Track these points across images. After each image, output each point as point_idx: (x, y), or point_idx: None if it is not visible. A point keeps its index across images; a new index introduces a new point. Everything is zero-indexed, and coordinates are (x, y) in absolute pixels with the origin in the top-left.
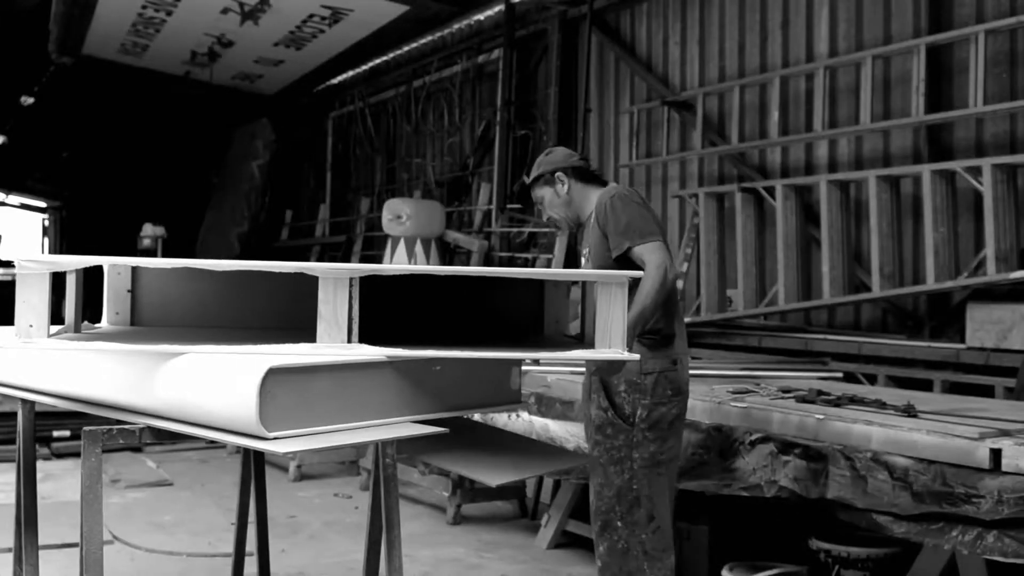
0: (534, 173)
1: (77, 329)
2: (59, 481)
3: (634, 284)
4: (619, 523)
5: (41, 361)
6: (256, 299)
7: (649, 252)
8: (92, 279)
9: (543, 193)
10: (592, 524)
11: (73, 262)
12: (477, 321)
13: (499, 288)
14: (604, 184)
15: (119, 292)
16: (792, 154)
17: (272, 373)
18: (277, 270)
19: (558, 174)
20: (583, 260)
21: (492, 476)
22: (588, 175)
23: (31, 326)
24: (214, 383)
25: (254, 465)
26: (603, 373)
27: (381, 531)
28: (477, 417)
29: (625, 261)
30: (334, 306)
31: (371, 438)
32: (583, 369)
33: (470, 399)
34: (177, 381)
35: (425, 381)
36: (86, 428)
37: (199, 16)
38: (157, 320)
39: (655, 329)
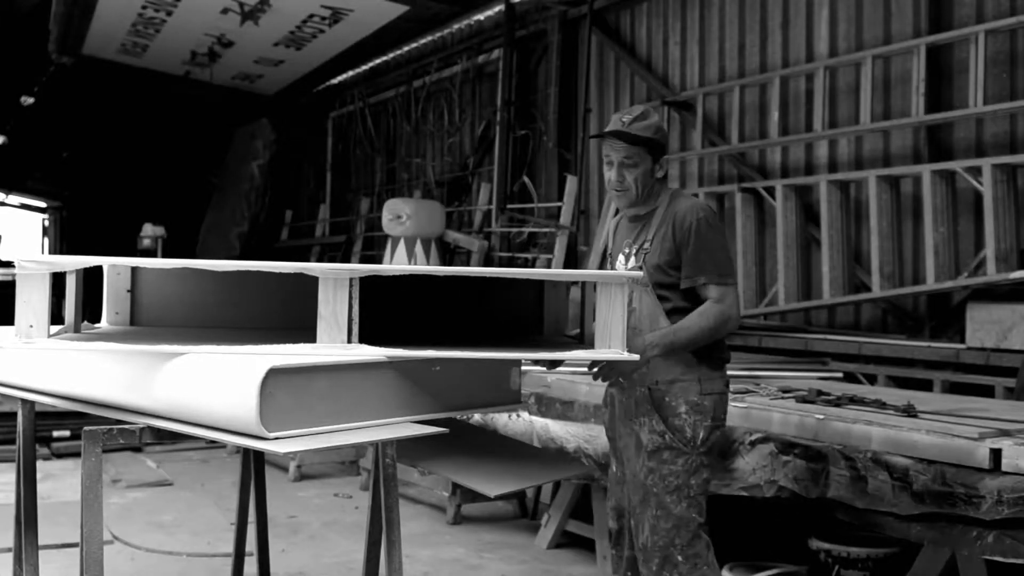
0: (649, 132)
1: (77, 329)
2: (59, 481)
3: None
4: (680, 557)
5: (41, 361)
6: (256, 299)
7: (721, 296)
8: (92, 279)
9: (642, 160)
10: (646, 563)
11: (73, 262)
12: (477, 321)
13: (499, 288)
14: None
15: (119, 292)
16: (792, 154)
17: (272, 373)
18: (277, 270)
19: (664, 159)
20: (621, 257)
21: (491, 486)
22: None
23: (31, 326)
24: (214, 383)
25: (254, 465)
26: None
27: (381, 531)
28: (477, 418)
29: (687, 289)
30: (334, 306)
31: (371, 438)
32: (583, 369)
33: (470, 399)
34: (177, 381)
35: (425, 381)
36: (86, 428)
37: (199, 16)
38: (157, 320)
39: (721, 347)
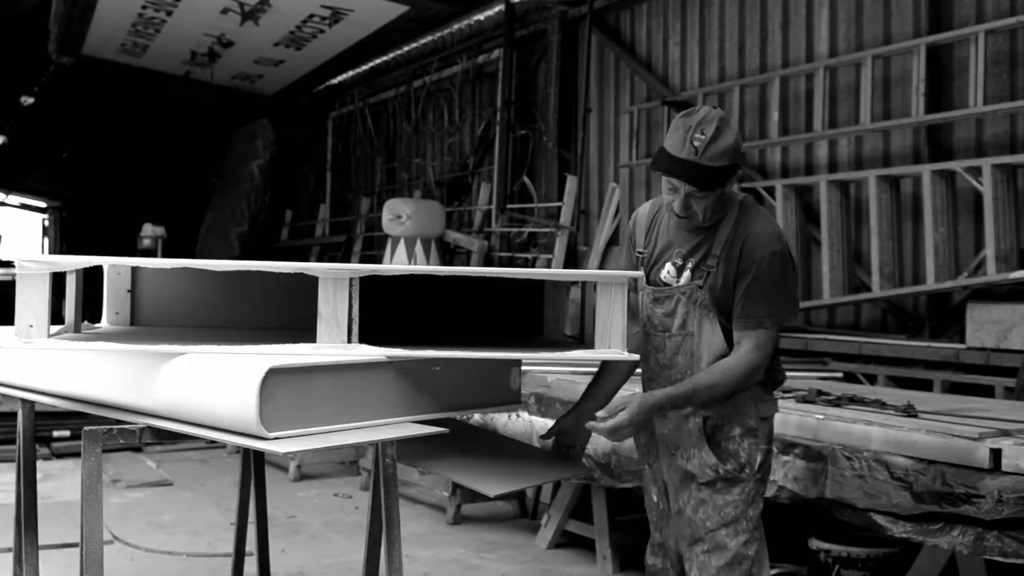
0: (726, 159)
1: (77, 329)
2: (59, 481)
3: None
4: None
5: (41, 361)
6: (256, 299)
7: (762, 343)
8: (92, 279)
9: (714, 190)
10: None
11: (73, 262)
12: (477, 321)
13: (499, 288)
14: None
15: (119, 292)
16: (792, 154)
17: (272, 373)
18: (277, 270)
19: (740, 171)
20: (671, 267)
21: (491, 486)
22: None
23: (31, 326)
24: (214, 383)
25: (254, 465)
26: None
27: (381, 531)
28: (477, 418)
29: (727, 313)
30: (334, 306)
31: (371, 438)
32: (583, 369)
33: (470, 399)
34: (177, 381)
35: (425, 381)
36: (86, 428)
37: (199, 16)
38: (157, 320)
39: (777, 366)
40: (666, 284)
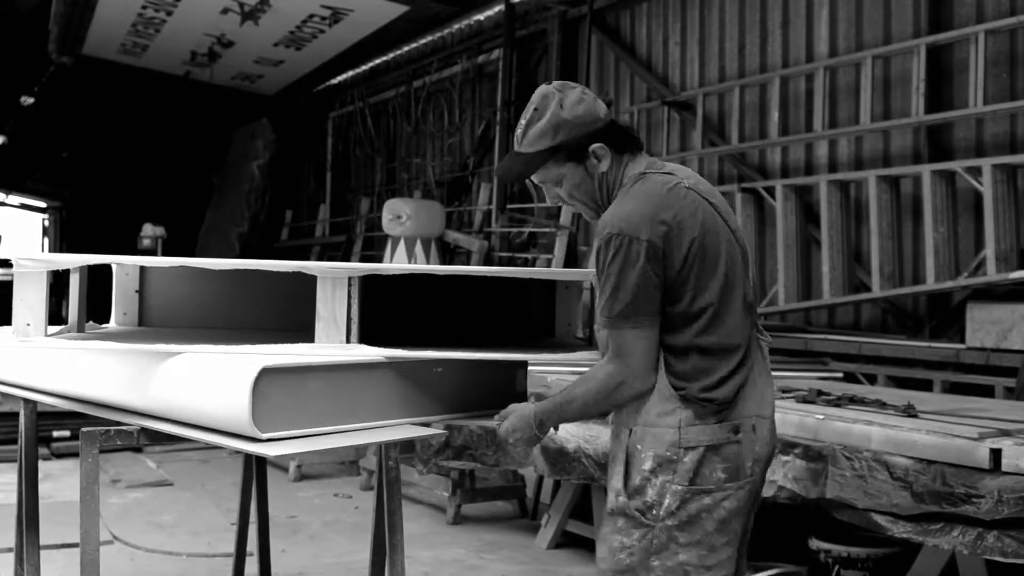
0: (548, 139)
1: (80, 329)
2: (59, 481)
3: None
4: None
5: (40, 360)
6: (264, 300)
7: (619, 353)
8: (101, 281)
9: (560, 171)
10: None
11: (69, 260)
12: (488, 323)
13: (510, 290)
14: (640, 149)
15: (127, 293)
16: (792, 154)
17: (266, 373)
18: (276, 269)
19: (595, 147)
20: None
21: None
22: (626, 140)
23: (28, 325)
24: (209, 383)
25: (256, 465)
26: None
27: (385, 534)
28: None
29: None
30: (332, 306)
31: (366, 441)
32: (584, 369)
33: (474, 402)
34: (173, 381)
35: (426, 383)
36: (84, 429)
37: (199, 16)
38: (165, 321)
39: (708, 386)
40: None
